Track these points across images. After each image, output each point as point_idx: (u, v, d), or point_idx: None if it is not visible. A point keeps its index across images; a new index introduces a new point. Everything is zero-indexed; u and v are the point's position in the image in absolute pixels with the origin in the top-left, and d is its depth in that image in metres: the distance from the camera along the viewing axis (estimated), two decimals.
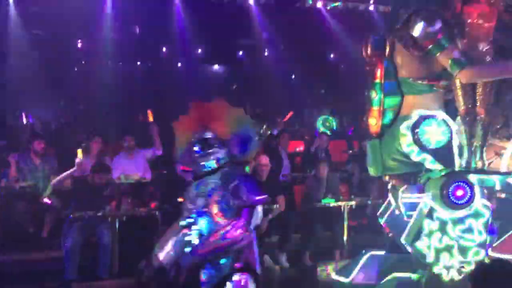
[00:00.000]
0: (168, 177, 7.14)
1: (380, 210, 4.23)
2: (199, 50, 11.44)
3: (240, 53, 11.81)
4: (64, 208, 6.25)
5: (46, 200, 6.35)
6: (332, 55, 12.06)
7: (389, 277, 3.73)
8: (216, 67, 12.22)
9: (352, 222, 6.48)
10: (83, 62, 10.96)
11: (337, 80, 11.15)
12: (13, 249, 6.02)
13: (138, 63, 11.64)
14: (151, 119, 6.97)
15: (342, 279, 3.98)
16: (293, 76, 11.71)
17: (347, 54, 10.49)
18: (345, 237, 6.24)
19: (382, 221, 4.16)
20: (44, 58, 9.90)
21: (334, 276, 4.17)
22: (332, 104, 10.44)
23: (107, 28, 9.43)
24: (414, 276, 3.69)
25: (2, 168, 6.36)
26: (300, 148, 8.59)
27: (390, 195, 4.03)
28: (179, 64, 11.85)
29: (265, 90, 11.10)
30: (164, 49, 11.44)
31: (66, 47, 10.19)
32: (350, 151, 8.62)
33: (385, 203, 4.19)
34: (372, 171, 4.00)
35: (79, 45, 10.63)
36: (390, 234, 4.11)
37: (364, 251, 4.13)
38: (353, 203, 6.32)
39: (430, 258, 3.62)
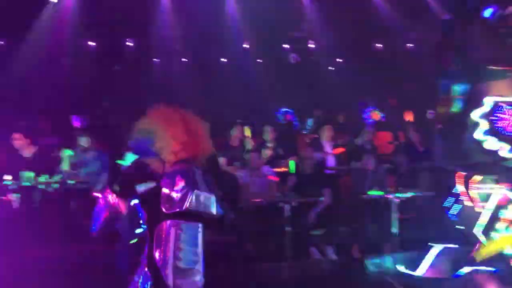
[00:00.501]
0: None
1: (446, 202, 4.09)
2: (245, 45, 11.41)
3: (286, 46, 11.70)
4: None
5: (96, 194, 6.59)
6: (380, 44, 11.69)
7: (463, 270, 3.61)
8: (259, 61, 12.13)
9: (400, 215, 6.33)
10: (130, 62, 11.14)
11: (384, 70, 10.86)
12: (69, 242, 6.29)
13: (184, 59, 11.70)
14: None
15: (408, 272, 3.88)
16: (336, 68, 11.49)
17: (397, 42, 10.21)
18: (393, 230, 6.12)
19: (450, 213, 4.03)
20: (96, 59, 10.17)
21: (400, 268, 4.07)
22: (379, 95, 10.19)
23: (162, 25, 9.57)
24: (490, 269, 3.55)
25: (58, 164, 6.62)
26: (345, 140, 8.48)
27: (459, 186, 3.88)
28: (223, 60, 11.87)
29: (308, 82, 10.99)
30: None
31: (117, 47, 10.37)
32: (396, 142, 8.42)
33: (453, 195, 4.05)
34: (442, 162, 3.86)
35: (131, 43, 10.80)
36: (459, 227, 3.97)
37: (431, 244, 4.01)
38: (401, 195, 6.17)
39: (508, 250, 3.46)
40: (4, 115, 9.15)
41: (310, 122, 9.33)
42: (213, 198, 2.57)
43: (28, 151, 6.80)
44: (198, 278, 2.69)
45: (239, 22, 10.15)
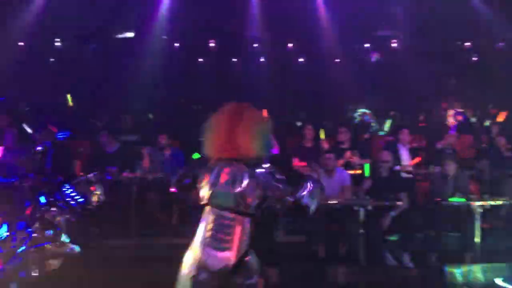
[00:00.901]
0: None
1: None
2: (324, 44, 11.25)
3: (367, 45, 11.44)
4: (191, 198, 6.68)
5: (172, 189, 6.80)
6: (467, 43, 11.08)
7: None
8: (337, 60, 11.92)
9: (484, 224, 5.95)
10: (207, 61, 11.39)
11: (469, 71, 10.30)
12: (146, 235, 6.56)
13: (262, 59, 11.76)
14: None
15: (506, 285, 3.63)
16: (419, 67, 11.01)
17: (485, 41, 9.65)
18: (476, 240, 5.76)
19: None
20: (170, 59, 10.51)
21: (499, 283, 3.82)
22: (463, 96, 9.67)
23: (242, 25, 9.73)
24: None
25: (137, 160, 6.93)
26: (422, 143, 8.13)
27: None
28: (301, 59, 11.81)
29: (391, 83, 10.63)
30: (289, 44, 11.45)
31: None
32: (479, 147, 7.94)
33: None
34: None
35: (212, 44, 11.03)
36: None
37: None
38: (485, 203, 5.80)
39: None
40: (88, 113, 9.78)
41: (388, 124, 9.05)
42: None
43: (111, 147, 7.20)
44: None
45: (318, 21, 10.04)
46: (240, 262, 2.69)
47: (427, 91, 9.61)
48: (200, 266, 2.70)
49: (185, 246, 6.24)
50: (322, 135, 6.92)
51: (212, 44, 10.89)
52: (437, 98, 9.49)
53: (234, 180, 2.70)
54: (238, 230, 2.71)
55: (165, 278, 5.51)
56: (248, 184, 2.69)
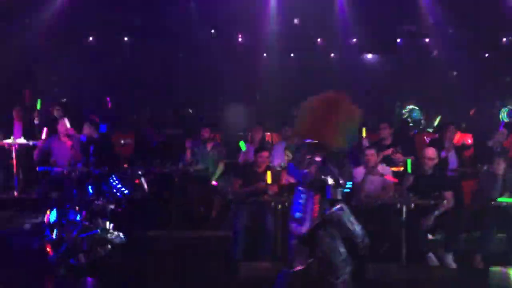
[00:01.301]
0: None
1: None
2: (354, 40, 11.13)
3: (398, 40, 11.19)
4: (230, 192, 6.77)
5: (214, 182, 6.92)
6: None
7: None
8: (370, 56, 11.74)
9: None
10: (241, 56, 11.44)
11: None
12: (186, 227, 6.68)
13: (292, 55, 11.74)
14: None
15: None
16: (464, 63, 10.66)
17: None
18: None
19: None
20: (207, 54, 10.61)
21: None
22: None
23: (269, 21, 9.73)
24: None
25: (180, 153, 7.07)
26: (469, 141, 7.87)
27: None
28: (332, 55, 11.70)
29: (425, 80, 10.37)
30: (319, 40, 11.38)
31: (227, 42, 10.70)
32: None
33: None
34: None
35: (240, 39, 11.09)
36: None
37: None
38: None
39: None
40: (133, 106, 10.02)
41: (437, 120, 8.81)
42: None
43: (155, 141, 7.38)
44: None
45: (352, 17, 9.89)
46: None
47: (476, 87, 9.28)
48: None
49: (223, 239, 6.36)
50: (363, 133, 6.84)
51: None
52: (489, 95, 9.13)
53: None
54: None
55: (202, 270, 5.67)
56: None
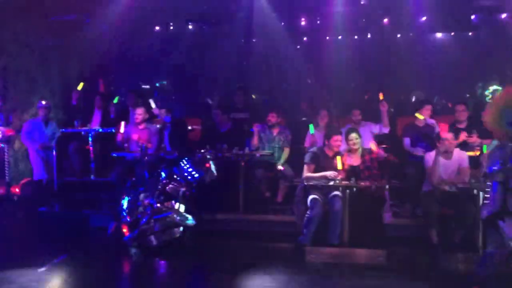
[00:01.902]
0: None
1: None
2: (424, 18, 10.54)
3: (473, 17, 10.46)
4: (295, 177, 6.76)
5: (280, 167, 6.92)
6: None
7: None
8: (439, 35, 11.08)
9: None
10: (304, 38, 11.23)
11: None
12: (252, 211, 6.76)
13: (355, 37, 11.34)
14: (381, 97, 6.98)
15: None
16: None
17: None
18: None
19: None
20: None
21: None
22: None
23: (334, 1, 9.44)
24: None
25: (246, 138, 7.12)
26: None
27: None
28: (399, 35, 11.19)
29: (507, 59, 9.65)
30: (385, 19, 10.90)
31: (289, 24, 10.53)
32: None
33: None
34: None
35: (303, 22, 10.88)
36: None
37: None
38: None
39: None
40: (202, 91, 10.17)
41: None
42: None
43: (224, 126, 7.48)
44: None
45: None
46: None
47: None
48: None
49: (288, 224, 6.37)
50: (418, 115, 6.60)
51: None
52: None
53: None
54: None
55: (269, 253, 5.72)
56: None
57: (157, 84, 11.08)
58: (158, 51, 10.13)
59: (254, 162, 6.87)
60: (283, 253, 5.81)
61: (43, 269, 5.12)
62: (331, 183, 5.52)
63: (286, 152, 7.07)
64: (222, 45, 9.93)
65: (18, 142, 8.01)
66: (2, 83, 8.38)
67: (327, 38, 10.67)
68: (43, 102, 7.79)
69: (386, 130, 7.07)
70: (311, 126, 6.94)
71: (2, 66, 8.28)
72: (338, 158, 5.55)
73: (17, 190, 7.66)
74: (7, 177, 7.56)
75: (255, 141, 6.96)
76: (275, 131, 7.06)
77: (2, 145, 7.67)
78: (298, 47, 10.89)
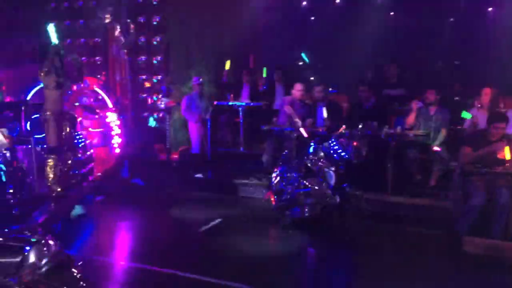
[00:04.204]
0: None
1: None
2: None
3: None
4: (451, 160, 6.25)
5: (436, 148, 6.44)
6: None
7: None
8: None
9: None
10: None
11: None
12: (401, 193, 6.43)
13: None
14: None
15: None
16: None
17: None
18: None
19: None
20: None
21: None
22: None
23: None
24: None
25: (393, 115, 6.76)
26: None
27: None
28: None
29: None
30: None
31: None
32: None
33: None
34: None
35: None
36: None
37: None
38: None
39: None
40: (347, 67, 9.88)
41: None
42: None
43: (368, 103, 7.21)
44: None
45: None
46: None
47: None
48: None
49: (441, 210, 5.93)
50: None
51: None
52: None
53: None
54: None
55: (418, 239, 5.39)
56: None
57: (304, 56, 11.00)
58: (305, 26, 10.08)
59: (406, 142, 6.51)
60: (436, 240, 5.45)
61: (201, 229, 5.55)
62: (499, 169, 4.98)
63: (443, 133, 6.55)
64: (369, 19, 9.48)
65: (178, 112, 8.71)
66: (164, 57, 9.15)
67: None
68: (197, 79, 8.30)
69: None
70: (464, 113, 6.33)
71: (165, 42, 9.03)
72: (507, 148, 4.97)
73: (175, 156, 8.41)
74: (167, 144, 8.33)
75: (411, 119, 6.56)
76: (432, 110, 6.57)
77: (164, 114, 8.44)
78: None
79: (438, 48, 9.83)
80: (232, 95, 8.11)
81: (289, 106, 7.10)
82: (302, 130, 6.72)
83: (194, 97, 8.24)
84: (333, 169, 5.76)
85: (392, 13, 10.02)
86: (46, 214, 5.12)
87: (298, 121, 6.82)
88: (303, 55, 10.52)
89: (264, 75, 8.58)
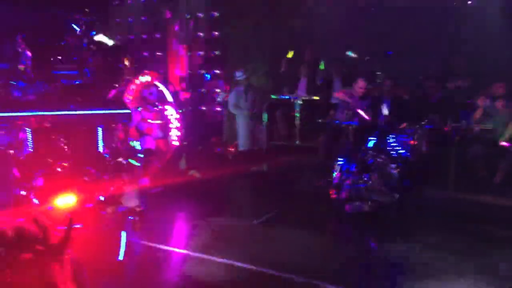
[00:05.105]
0: None
1: None
2: None
3: None
4: None
5: (503, 143, 6.13)
6: None
7: None
8: None
9: None
10: None
11: None
12: (465, 190, 6.17)
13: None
14: None
15: None
16: None
17: None
18: None
19: None
20: None
21: None
22: None
23: None
24: None
25: (460, 109, 6.48)
26: None
27: None
28: None
29: None
30: None
31: None
32: None
33: None
34: None
35: None
36: None
37: None
38: None
39: None
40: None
41: None
42: None
43: (435, 96, 6.94)
44: None
45: None
46: None
47: None
48: None
49: (507, 209, 5.58)
50: None
51: None
52: None
53: None
54: None
55: (486, 239, 5.12)
56: None
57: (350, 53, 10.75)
58: (363, 19, 9.83)
59: (471, 137, 6.23)
60: (506, 242, 5.15)
61: (256, 222, 5.59)
62: None
63: (510, 128, 6.22)
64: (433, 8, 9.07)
65: None
66: (222, 52, 9.26)
67: None
68: (241, 73, 8.14)
69: None
70: None
71: (223, 36, 9.14)
72: None
73: (232, 149, 8.50)
74: (224, 137, 8.43)
75: (477, 115, 6.27)
76: (500, 104, 6.25)
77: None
78: None
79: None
80: (288, 88, 8.07)
81: (342, 93, 6.94)
82: (361, 112, 6.54)
83: (239, 93, 8.06)
84: (393, 166, 5.63)
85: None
86: None
87: (351, 102, 6.62)
88: (349, 53, 10.27)
89: (322, 67, 8.45)
